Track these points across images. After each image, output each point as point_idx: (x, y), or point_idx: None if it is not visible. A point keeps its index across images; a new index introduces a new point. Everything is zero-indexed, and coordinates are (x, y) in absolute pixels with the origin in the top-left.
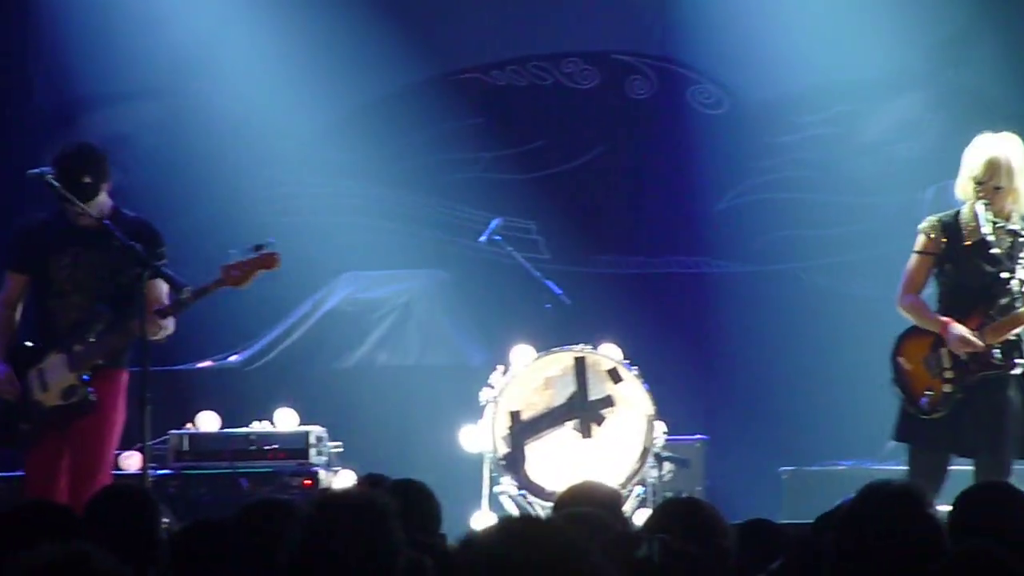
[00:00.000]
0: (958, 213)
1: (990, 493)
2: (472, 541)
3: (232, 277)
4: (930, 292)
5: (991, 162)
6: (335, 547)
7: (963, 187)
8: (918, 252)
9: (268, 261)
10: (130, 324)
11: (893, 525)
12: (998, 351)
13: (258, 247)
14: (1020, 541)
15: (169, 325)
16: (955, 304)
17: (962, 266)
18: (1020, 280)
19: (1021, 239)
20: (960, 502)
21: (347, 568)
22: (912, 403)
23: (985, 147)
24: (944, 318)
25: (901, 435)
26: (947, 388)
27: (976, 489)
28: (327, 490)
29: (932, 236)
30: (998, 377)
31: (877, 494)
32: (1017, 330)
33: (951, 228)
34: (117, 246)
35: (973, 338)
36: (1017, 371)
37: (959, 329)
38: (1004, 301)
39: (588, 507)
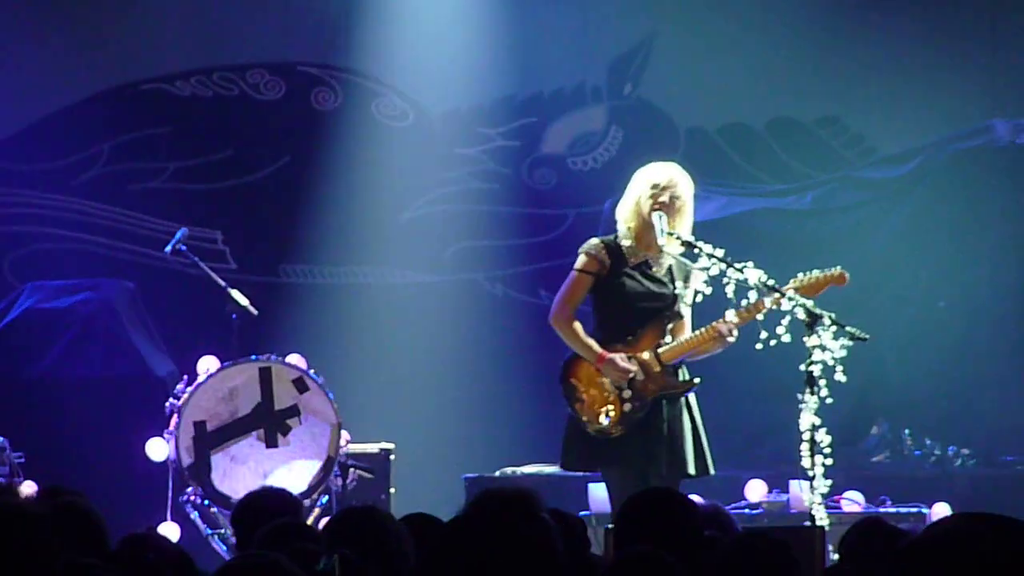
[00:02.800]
0: (617, 236)
1: (653, 500)
2: None
3: None
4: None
5: (673, 177)
6: None
7: (633, 205)
8: (580, 271)
9: None
10: None
11: (504, 530)
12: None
13: None
14: (684, 545)
15: None
16: (622, 325)
17: (626, 288)
18: (692, 295)
19: (695, 250)
20: (624, 510)
21: None
22: (592, 424)
23: (663, 165)
24: (600, 351)
25: (576, 461)
26: (627, 408)
27: (639, 497)
28: None
29: (594, 255)
30: (673, 396)
31: (489, 499)
32: (694, 350)
33: (614, 250)
34: None
35: (629, 366)
36: (693, 391)
37: (615, 362)
38: (675, 321)
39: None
